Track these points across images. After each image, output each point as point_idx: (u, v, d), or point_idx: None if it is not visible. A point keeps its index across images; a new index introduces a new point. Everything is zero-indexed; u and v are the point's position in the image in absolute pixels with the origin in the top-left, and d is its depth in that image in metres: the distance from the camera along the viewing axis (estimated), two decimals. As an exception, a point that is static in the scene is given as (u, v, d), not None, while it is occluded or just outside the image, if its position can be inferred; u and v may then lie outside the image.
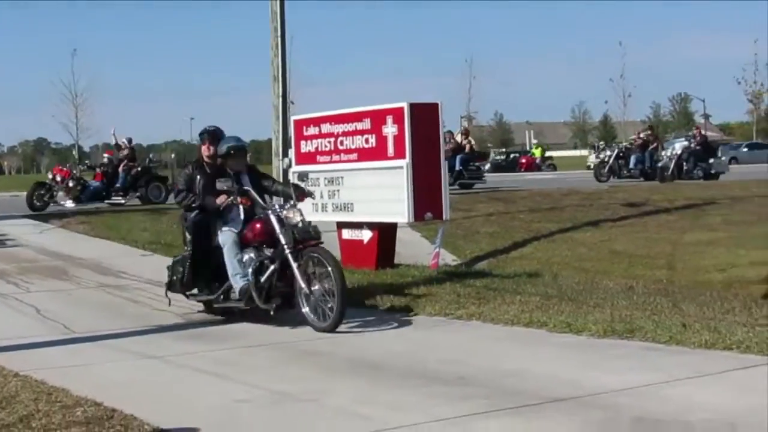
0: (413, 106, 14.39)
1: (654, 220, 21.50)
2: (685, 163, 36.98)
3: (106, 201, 28.73)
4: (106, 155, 31.16)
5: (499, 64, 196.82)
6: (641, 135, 39.83)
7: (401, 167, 14.21)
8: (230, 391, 8.12)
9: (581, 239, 19.20)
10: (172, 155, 52.10)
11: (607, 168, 37.82)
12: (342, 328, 10.68)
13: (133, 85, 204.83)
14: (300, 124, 16.53)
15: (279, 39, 18.32)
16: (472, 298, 11.98)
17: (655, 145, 39.11)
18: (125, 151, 30.36)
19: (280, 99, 18.29)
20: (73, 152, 74.66)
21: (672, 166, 36.56)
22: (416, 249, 17.23)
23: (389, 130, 14.49)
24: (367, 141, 14.94)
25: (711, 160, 37.72)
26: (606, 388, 7.64)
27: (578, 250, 18.09)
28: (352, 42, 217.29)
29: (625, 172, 37.65)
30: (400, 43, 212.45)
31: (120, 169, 29.48)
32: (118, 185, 29.39)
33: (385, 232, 15.08)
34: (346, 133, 15.37)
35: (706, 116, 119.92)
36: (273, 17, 18.39)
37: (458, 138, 34.42)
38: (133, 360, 9.57)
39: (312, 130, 16.14)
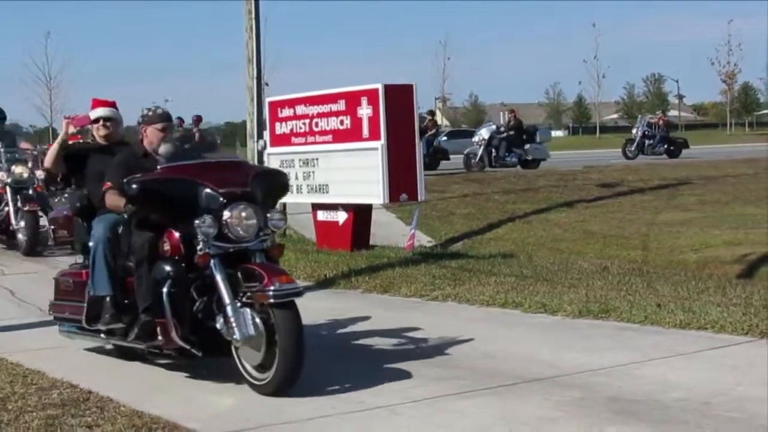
0: (388, 88, 14.39)
1: (628, 201, 21.60)
2: (495, 150, 33.95)
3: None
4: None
5: (473, 45, 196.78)
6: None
7: (376, 149, 14.20)
8: (204, 372, 8.10)
9: (556, 220, 19.28)
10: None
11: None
12: (319, 310, 10.68)
13: (107, 67, 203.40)
14: (275, 106, 16.51)
15: (253, 21, 18.21)
16: (447, 279, 12.00)
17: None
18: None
19: (255, 81, 18.18)
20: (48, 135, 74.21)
21: (480, 152, 33.72)
22: (391, 230, 17.28)
23: (364, 111, 14.48)
24: (342, 122, 14.93)
25: (527, 146, 34.53)
26: (582, 368, 7.68)
27: (553, 230, 18.18)
28: (326, 24, 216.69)
29: None
30: (373, 25, 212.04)
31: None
32: None
33: (361, 214, 15.07)
34: (321, 115, 15.35)
35: (680, 96, 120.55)
36: (247, 0, 18.32)
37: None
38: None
39: (287, 112, 16.12)
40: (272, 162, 16.24)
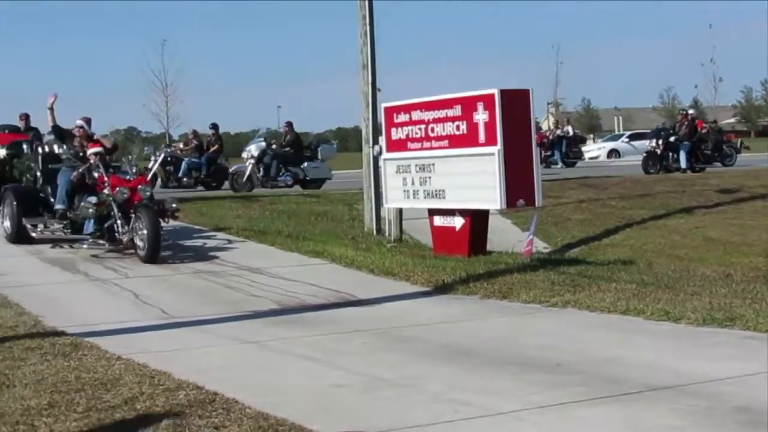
0: (504, 93, 14.34)
1: (749, 207, 21.20)
2: (263, 169, 30.16)
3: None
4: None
5: (585, 49, 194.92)
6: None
7: (492, 154, 14.16)
8: (326, 376, 8.16)
9: (674, 226, 19.02)
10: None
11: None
12: (437, 315, 10.71)
13: (221, 74, 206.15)
14: (390, 112, 16.55)
15: (368, 27, 18.30)
16: (566, 285, 11.92)
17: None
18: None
19: (370, 86, 18.26)
20: (165, 140, 75.37)
21: (248, 172, 30.28)
22: (507, 236, 17.21)
23: (480, 116, 14.45)
24: (458, 128, 14.91)
25: (305, 164, 30.80)
26: (707, 377, 7.55)
27: (672, 237, 17.94)
28: (439, 28, 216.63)
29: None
30: (486, 29, 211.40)
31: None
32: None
33: (477, 219, 15.03)
34: (436, 120, 15.36)
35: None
36: (361, 5, 18.38)
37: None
38: (231, 345, 9.64)
39: (402, 117, 16.15)
40: (388, 167, 16.30)
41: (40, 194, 17.47)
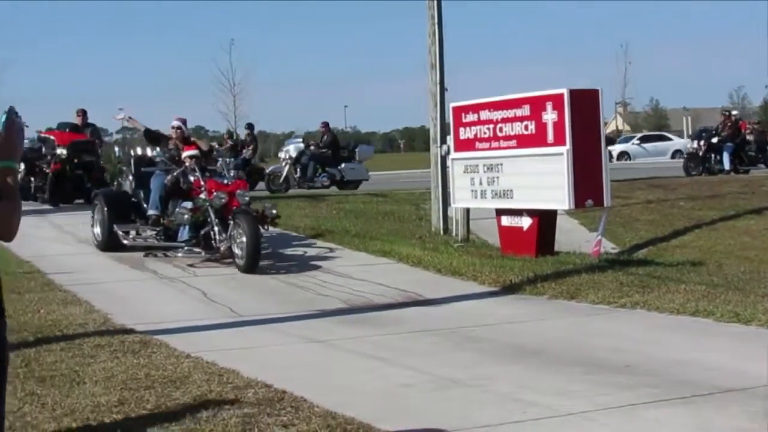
0: (573, 93, 14.30)
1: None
2: (299, 170, 30.17)
3: None
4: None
5: (654, 49, 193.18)
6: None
7: (561, 154, 14.10)
8: (394, 375, 8.20)
9: (744, 227, 18.79)
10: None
11: None
12: (504, 315, 10.70)
13: (288, 74, 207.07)
14: (458, 111, 16.54)
15: (436, 27, 18.29)
16: (635, 286, 11.85)
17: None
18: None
19: (438, 86, 18.25)
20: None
21: (285, 173, 30.28)
22: (574, 236, 17.12)
23: (549, 116, 14.40)
24: (526, 127, 14.87)
25: (343, 165, 30.56)
26: (779, 379, 7.48)
27: (741, 238, 17.73)
28: (506, 27, 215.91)
29: None
30: (551, 28, 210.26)
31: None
32: None
33: (545, 219, 14.97)
34: (505, 120, 15.32)
35: None
36: (430, 5, 18.39)
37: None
38: (299, 343, 9.71)
39: (471, 117, 16.14)
40: (456, 167, 16.30)
41: (132, 199, 16.74)
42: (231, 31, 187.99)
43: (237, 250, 14.25)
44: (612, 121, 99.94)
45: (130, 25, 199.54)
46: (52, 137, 24.07)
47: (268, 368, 8.30)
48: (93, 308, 11.39)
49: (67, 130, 24.59)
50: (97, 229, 16.57)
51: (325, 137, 31.32)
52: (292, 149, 30.82)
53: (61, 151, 23.08)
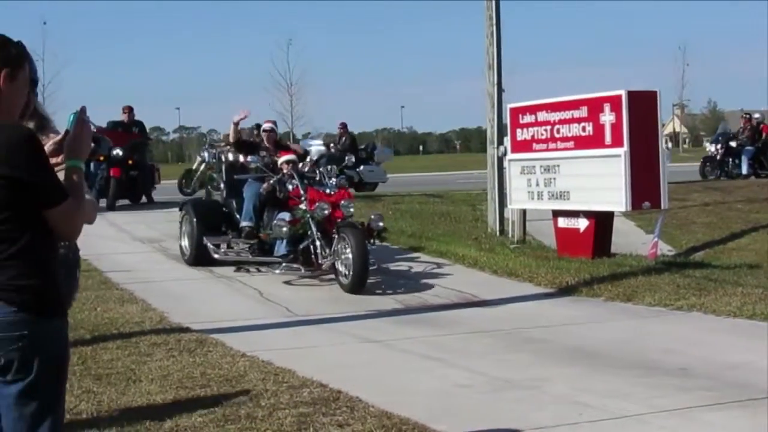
0: (631, 94, 14.26)
1: None
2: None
3: None
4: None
5: (712, 50, 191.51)
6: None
7: (619, 156, 14.06)
8: (451, 376, 8.23)
9: (804, 230, 18.60)
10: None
11: None
12: (561, 317, 10.71)
13: (345, 74, 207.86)
14: (516, 112, 16.52)
15: (494, 27, 18.28)
16: (692, 289, 11.78)
17: None
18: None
19: (495, 87, 18.23)
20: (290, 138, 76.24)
21: None
22: (631, 238, 17.04)
23: (606, 118, 14.36)
24: (583, 129, 14.83)
25: (361, 167, 29.08)
26: (837, 384, 7.42)
27: (800, 241, 17.54)
28: (563, 28, 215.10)
29: None
30: (609, 30, 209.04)
31: None
32: None
33: (602, 221, 14.92)
34: (562, 121, 15.29)
35: None
36: (488, 6, 18.38)
37: None
38: (354, 343, 9.76)
39: (528, 118, 16.11)
40: (513, 168, 16.29)
41: (224, 209, 15.43)
42: (289, 31, 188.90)
43: (341, 267, 12.83)
44: (669, 123, 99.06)
45: (170, 23, 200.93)
46: (107, 138, 23.24)
47: (324, 368, 8.35)
48: (149, 306, 11.51)
49: (120, 129, 24.09)
50: (185, 242, 15.32)
51: (344, 139, 30.42)
52: (313, 152, 29.78)
53: (117, 152, 22.43)
